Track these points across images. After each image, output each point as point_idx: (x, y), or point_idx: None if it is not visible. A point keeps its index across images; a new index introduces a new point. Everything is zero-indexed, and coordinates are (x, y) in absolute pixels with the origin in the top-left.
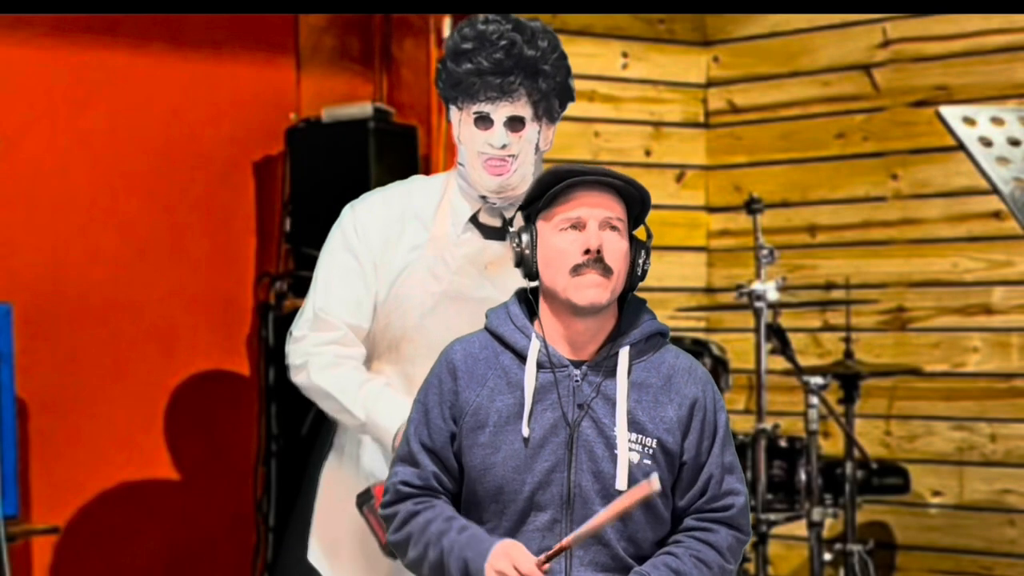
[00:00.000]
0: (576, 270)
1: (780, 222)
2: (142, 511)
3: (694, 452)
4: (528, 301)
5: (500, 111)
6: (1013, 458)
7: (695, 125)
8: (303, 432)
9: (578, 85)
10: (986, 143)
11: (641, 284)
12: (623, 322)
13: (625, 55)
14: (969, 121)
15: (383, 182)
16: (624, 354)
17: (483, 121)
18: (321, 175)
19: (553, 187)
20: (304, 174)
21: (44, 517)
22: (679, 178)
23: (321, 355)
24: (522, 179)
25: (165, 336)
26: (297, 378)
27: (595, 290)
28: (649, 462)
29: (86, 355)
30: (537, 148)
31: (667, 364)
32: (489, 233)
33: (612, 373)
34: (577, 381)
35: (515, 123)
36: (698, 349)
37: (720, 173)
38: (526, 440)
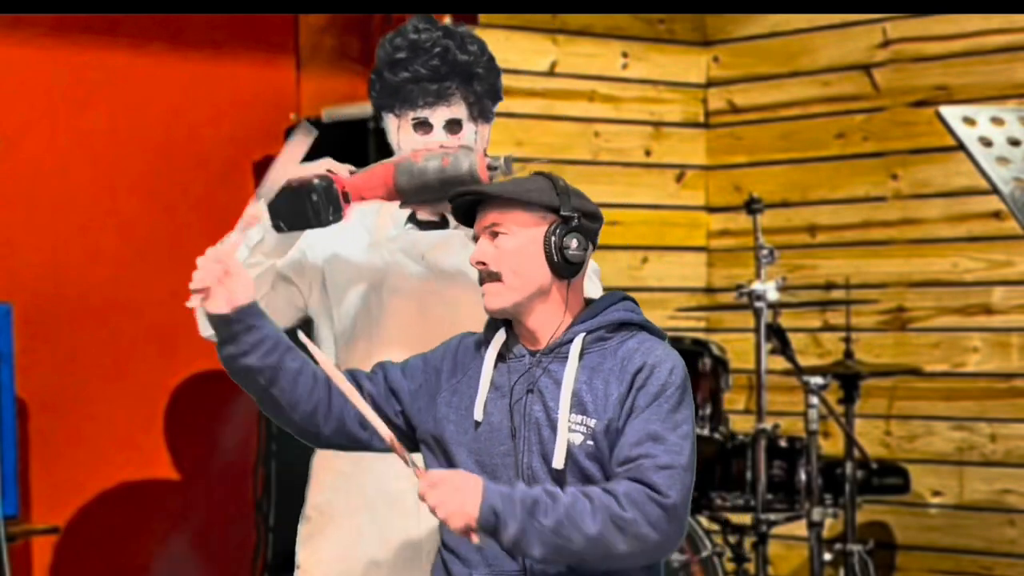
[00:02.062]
0: (479, 282)
1: (780, 222)
2: (142, 511)
3: (626, 419)
4: None
5: (438, 115)
6: (1013, 458)
7: (695, 125)
8: None
9: (578, 85)
10: (986, 143)
11: (641, 284)
12: (584, 313)
13: (625, 55)
14: (969, 121)
15: None
16: (578, 340)
17: (422, 126)
18: None
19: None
20: None
21: (44, 517)
22: (679, 178)
23: None
24: None
25: (165, 336)
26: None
27: (490, 297)
28: (591, 443)
29: (86, 355)
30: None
31: (625, 347)
32: (427, 227)
33: (566, 359)
34: (531, 368)
35: (453, 126)
36: (698, 349)
37: (720, 173)
38: (477, 424)
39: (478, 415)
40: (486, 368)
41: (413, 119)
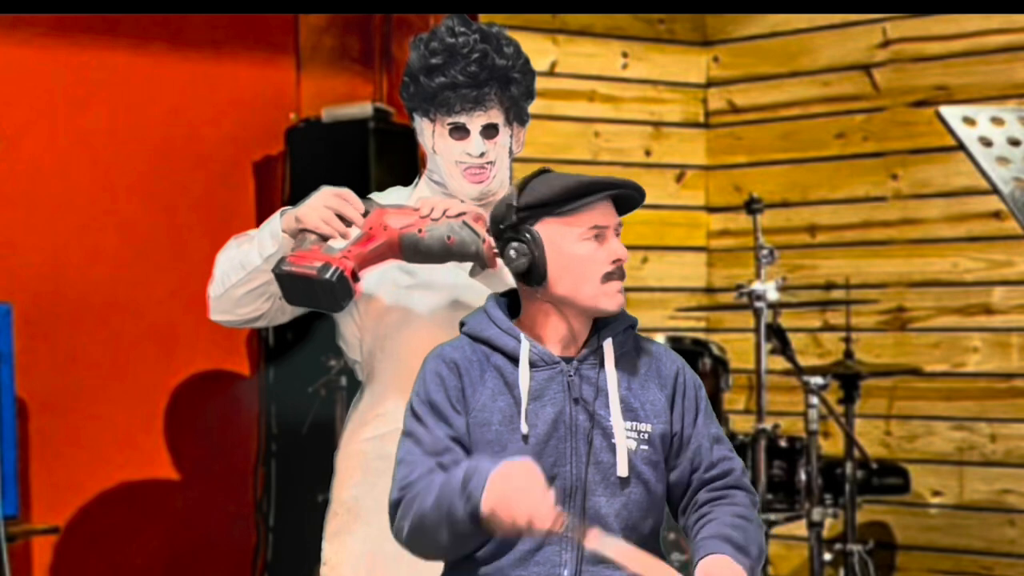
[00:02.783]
0: (607, 278)
1: (780, 222)
2: (142, 511)
3: (680, 425)
4: (506, 304)
5: (475, 121)
6: (1013, 458)
7: (695, 125)
8: (303, 432)
9: (578, 85)
10: (986, 143)
11: (641, 284)
12: (599, 319)
13: (625, 55)
14: (969, 121)
15: (383, 182)
16: (608, 345)
17: (459, 131)
18: (321, 175)
19: (584, 197)
20: (304, 174)
21: (44, 517)
22: (679, 178)
23: None
24: (501, 184)
25: (165, 336)
26: (211, 290)
27: (622, 296)
28: (647, 447)
29: (86, 355)
30: (511, 152)
31: (645, 350)
32: None
33: (601, 365)
34: (571, 376)
35: (490, 131)
36: (698, 349)
37: (720, 173)
38: (525, 437)
39: (525, 428)
40: (524, 379)
41: (450, 124)
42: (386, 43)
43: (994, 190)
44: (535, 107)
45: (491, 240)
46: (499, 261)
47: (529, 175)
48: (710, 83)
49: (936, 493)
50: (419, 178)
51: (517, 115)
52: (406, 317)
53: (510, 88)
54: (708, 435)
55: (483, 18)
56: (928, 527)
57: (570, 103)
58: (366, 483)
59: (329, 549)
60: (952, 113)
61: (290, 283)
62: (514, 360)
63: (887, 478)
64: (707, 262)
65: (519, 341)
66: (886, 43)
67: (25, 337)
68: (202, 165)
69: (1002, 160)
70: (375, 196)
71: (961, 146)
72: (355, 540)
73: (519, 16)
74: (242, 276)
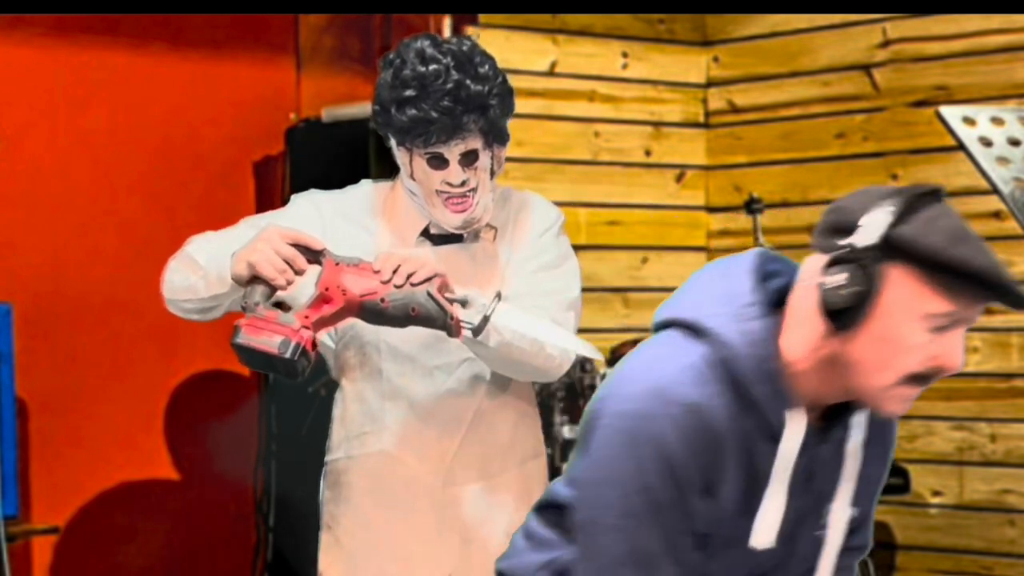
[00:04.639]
0: (910, 381)
1: (780, 222)
2: (142, 511)
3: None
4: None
5: (454, 150)
6: (1013, 458)
7: (695, 125)
8: (303, 432)
9: (578, 85)
10: (986, 143)
11: (641, 284)
12: None
13: (625, 55)
14: (969, 121)
15: None
16: (861, 420)
17: (437, 160)
18: (321, 175)
19: (982, 289)
20: (304, 174)
21: (44, 517)
22: (679, 178)
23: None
24: (484, 209)
25: (165, 336)
26: (162, 289)
27: (907, 406)
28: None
29: (86, 355)
30: (492, 173)
31: (876, 416)
32: (439, 241)
33: (839, 442)
34: (813, 458)
35: (469, 157)
36: None
37: (720, 173)
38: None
39: (759, 542)
40: (783, 473)
41: (427, 154)
42: (386, 43)
43: (994, 190)
44: (535, 107)
45: (456, 312)
46: (464, 332)
47: (924, 193)
48: (710, 83)
49: (936, 493)
50: (395, 180)
51: (497, 136)
52: (384, 336)
53: (488, 113)
54: (874, 505)
55: (483, 18)
56: (928, 527)
57: (570, 103)
58: (355, 496)
59: (324, 562)
60: (952, 113)
61: (248, 355)
62: (771, 436)
63: (887, 478)
64: (707, 262)
65: (787, 411)
66: (886, 43)
67: (25, 337)
68: (202, 165)
69: (1002, 160)
70: (347, 191)
71: (961, 146)
72: (349, 554)
73: (519, 16)
74: (189, 296)
